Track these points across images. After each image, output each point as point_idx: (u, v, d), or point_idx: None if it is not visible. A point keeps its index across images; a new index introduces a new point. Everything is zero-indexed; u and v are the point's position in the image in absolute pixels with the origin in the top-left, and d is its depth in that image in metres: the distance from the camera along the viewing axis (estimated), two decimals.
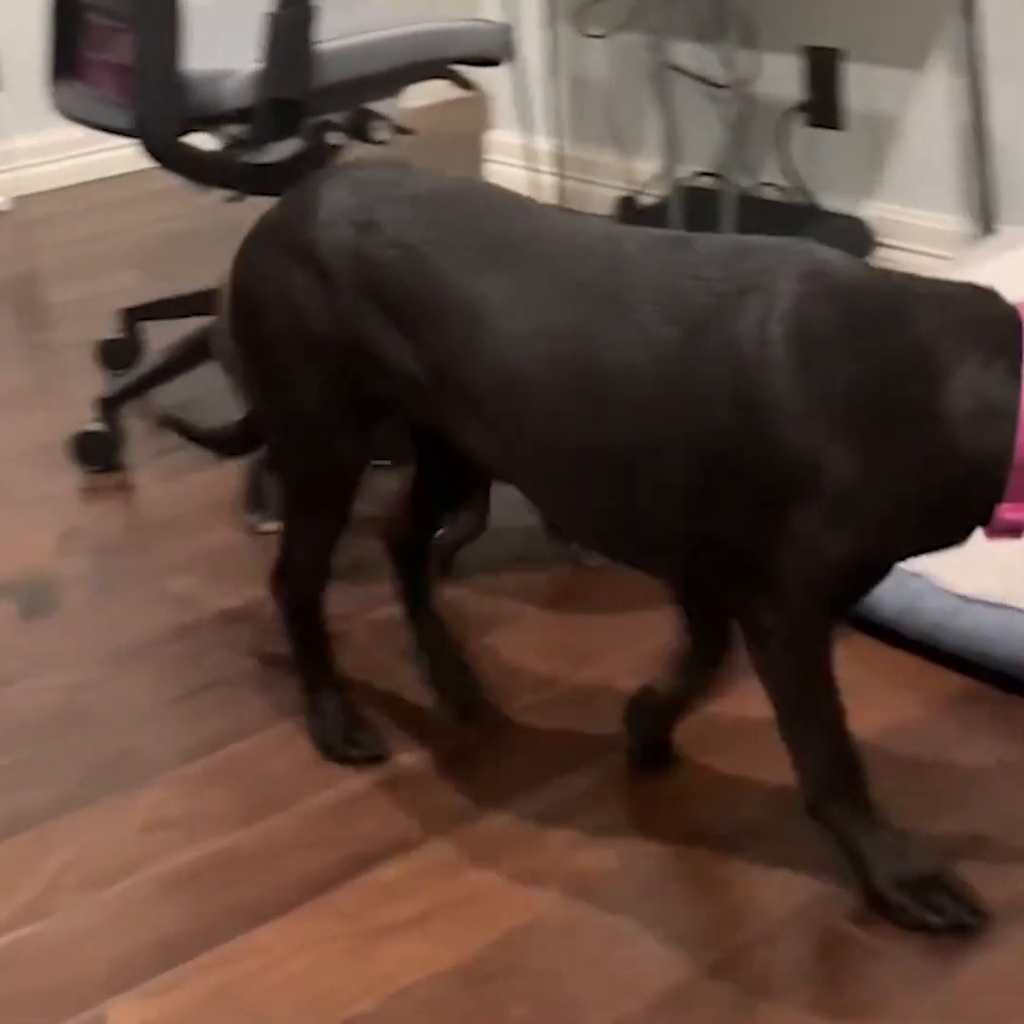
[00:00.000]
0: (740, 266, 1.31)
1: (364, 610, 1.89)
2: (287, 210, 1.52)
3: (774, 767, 1.56)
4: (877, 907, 1.37)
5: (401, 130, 2.30)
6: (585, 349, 1.33)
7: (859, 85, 2.81)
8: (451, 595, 1.88)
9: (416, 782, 1.60)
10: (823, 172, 2.89)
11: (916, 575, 1.70)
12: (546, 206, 1.48)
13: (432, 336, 1.41)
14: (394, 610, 1.75)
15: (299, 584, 1.63)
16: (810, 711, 1.38)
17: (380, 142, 2.27)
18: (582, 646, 1.81)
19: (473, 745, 1.65)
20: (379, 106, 2.32)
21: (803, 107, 2.88)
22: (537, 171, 3.28)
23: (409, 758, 1.64)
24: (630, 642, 1.80)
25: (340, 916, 1.44)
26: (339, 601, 1.73)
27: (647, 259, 1.34)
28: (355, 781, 1.61)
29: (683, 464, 1.30)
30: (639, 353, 1.31)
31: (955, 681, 1.69)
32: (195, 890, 1.48)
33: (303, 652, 1.67)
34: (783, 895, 1.42)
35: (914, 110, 2.73)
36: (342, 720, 1.65)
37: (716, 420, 1.28)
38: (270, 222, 1.54)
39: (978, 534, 1.34)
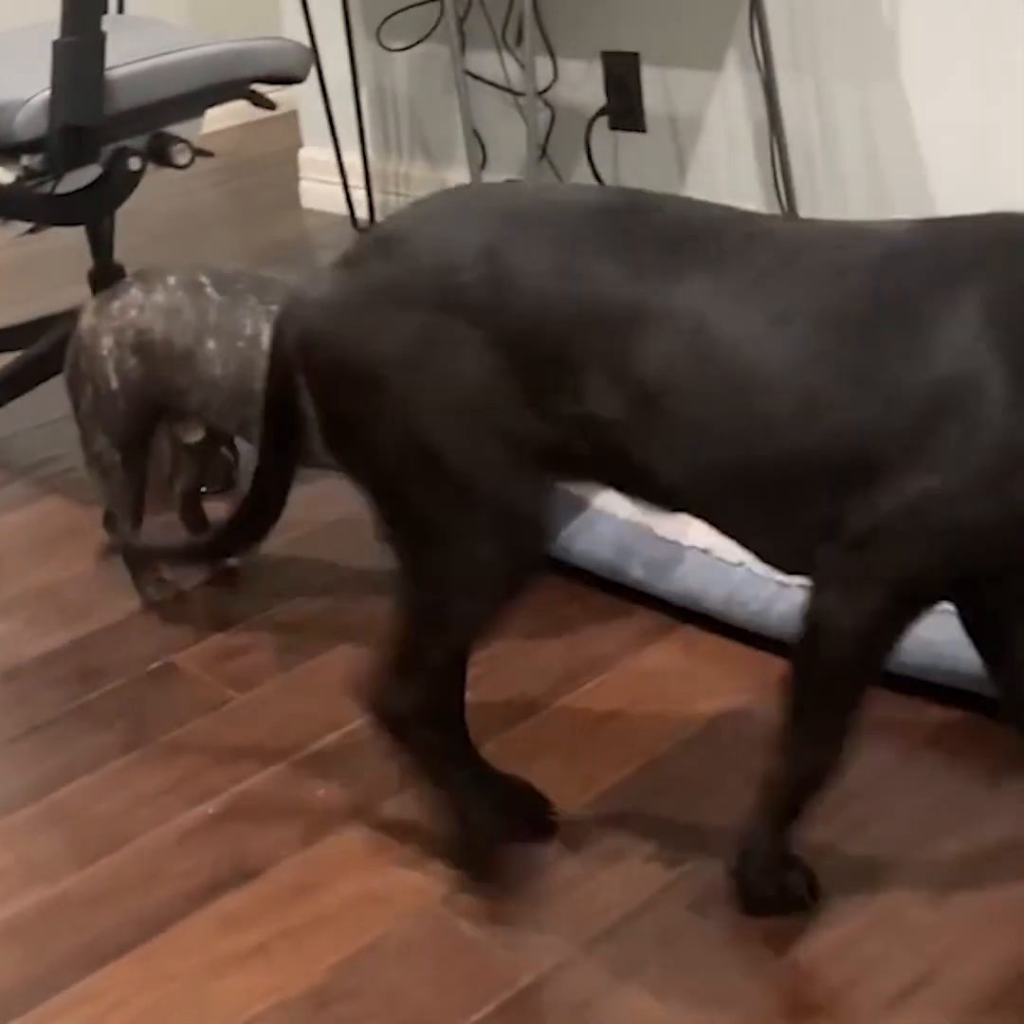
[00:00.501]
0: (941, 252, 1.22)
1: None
2: (403, 258, 1.28)
3: (601, 765, 1.58)
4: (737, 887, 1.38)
5: (201, 152, 2.27)
6: (833, 338, 1.22)
7: (658, 87, 2.85)
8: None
9: (254, 809, 1.58)
10: (630, 174, 2.93)
11: (739, 563, 1.73)
12: (679, 198, 1.35)
13: (633, 359, 1.24)
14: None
15: (434, 686, 1.40)
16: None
17: (181, 166, 2.24)
18: None
19: (308, 769, 1.63)
20: (179, 129, 2.30)
21: (605, 111, 2.92)
22: (350, 187, 3.27)
23: (245, 785, 1.61)
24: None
25: (181, 952, 1.41)
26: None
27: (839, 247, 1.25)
28: (191, 814, 1.58)
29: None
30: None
31: (781, 665, 1.71)
32: (26, 940, 1.44)
33: (441, 760, 1.43)
34: (624, 890, 1.43)
35: (713, 109, 2.79)
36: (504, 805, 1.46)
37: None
38: (379, 276, 1.29)
39: None
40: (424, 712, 1.40)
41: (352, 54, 3.19)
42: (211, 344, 1.80)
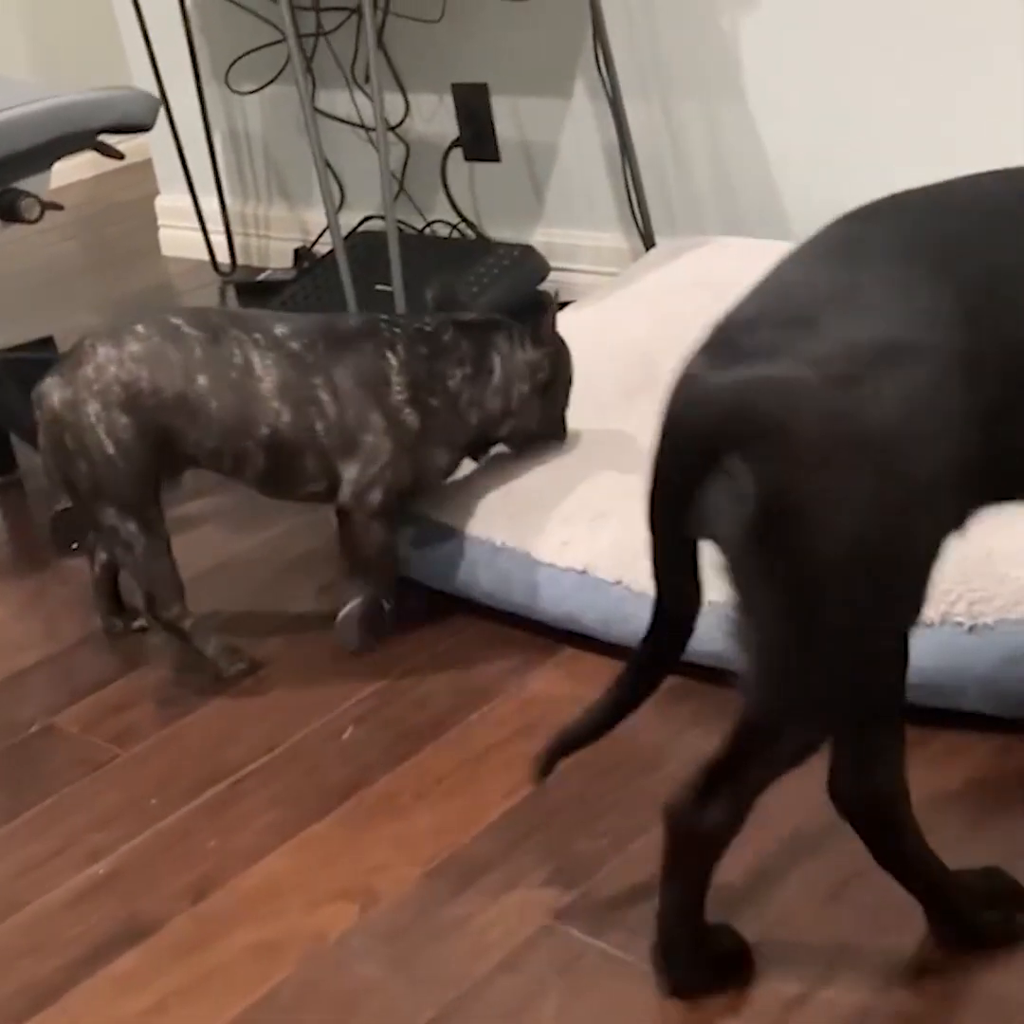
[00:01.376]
0: None
1: None
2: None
3: (489, 796, 1.58)
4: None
5: (51, 206, 2.25)
6: None
7: (510, 116, 2.88)
8: None
9: (145, 867, 1.56)
10: (488, 204, 2.95)
11: (617, 582, 1.74)
12: None
13: None
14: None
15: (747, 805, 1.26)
16: None
17: (31, 221, 2.22)
18: (301, 704, 1.80)
19: (196, 822, 1.62)
20: (27, 183, 2.27)
21: (459, 142, 2.94)
22: (209, 232, 3.26)
23: (134, 842, 1.59)
24: (333, 706, 1.79)
25: (77, 1020, 1.39)
26: None
27: None
28: (81, 877, 1.56)
29: None
30: None
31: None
32: None
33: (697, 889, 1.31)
34: (520, 919, 1.43)
35: (565, 136, 2.82)
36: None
37: None
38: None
39: None
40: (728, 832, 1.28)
41: (202, 99, 3.17)
42: (202, 380, 1.78)
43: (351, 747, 1.70)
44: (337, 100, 3.02)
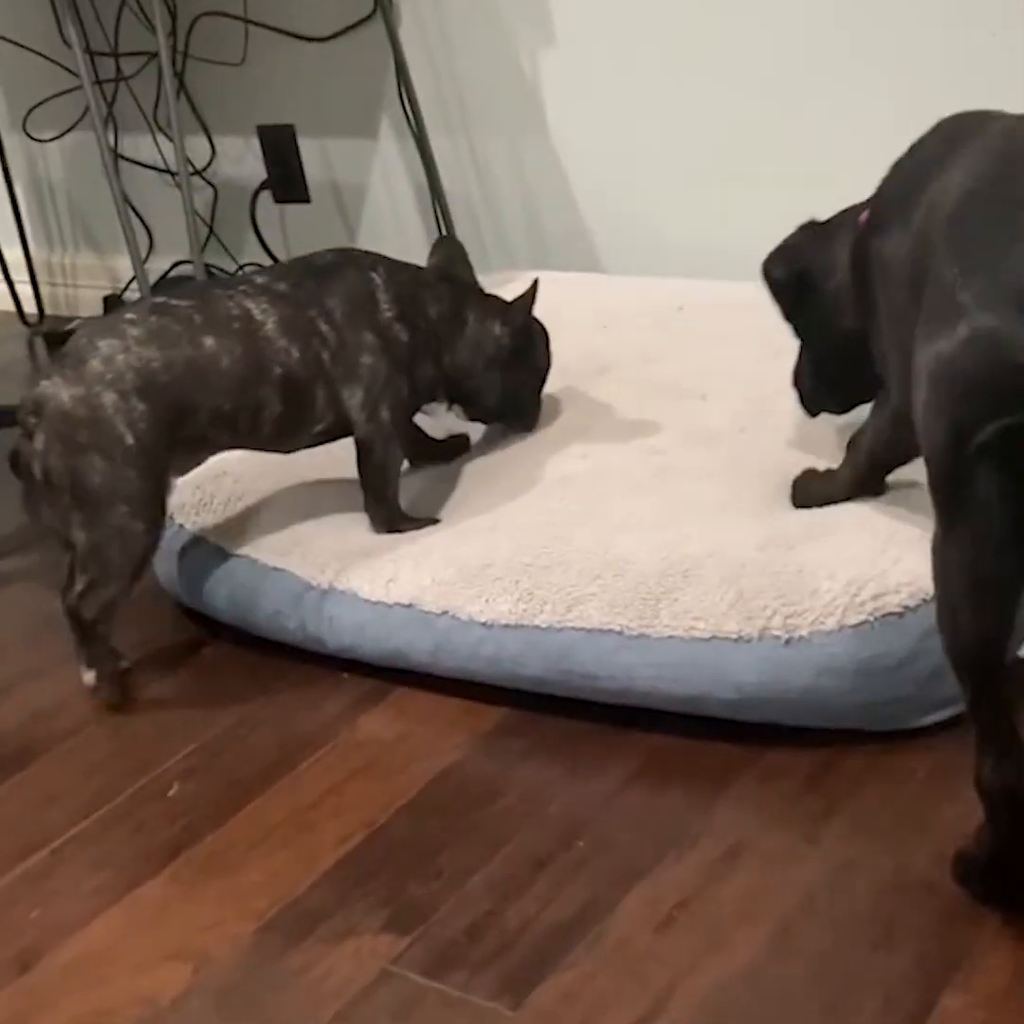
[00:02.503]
0: None
1: None
2: None
3: (322, 844, 1.55)
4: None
5: None
6: None
7: (317, 157, 2.87)
8: None
9: None
10: (300, 245, 2.93)
11: (443, 613, 1.74)
12: None
13: None
14: None
15: None
16: None
17: None
18: (124, 763, 1.75)
19: (18, 892, 1.56)
20: None
21: (267, 185, 2.92)
22: (14, 282, 3.18)
23: None
24: (157, 763, 1.75)
25: None
26: None
27: None
28: None
29: None
30: None
31: (495, 714, 1.73)
32: None
33: None
34: (357, 967, 1.40)
35: (374, 175, 2.82)
36: None
37: None
38: None
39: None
40: None
41: (0, 147, 3.10)
42: (209, 341, 1.78)
43: (178, 803, 1.65)
44: (141, 145, 2.98)
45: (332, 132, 2.84)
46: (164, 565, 1.97)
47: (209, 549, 1.92)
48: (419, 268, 1.97)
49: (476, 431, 2.09)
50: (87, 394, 1.74)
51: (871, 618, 1.54)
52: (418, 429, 2.01)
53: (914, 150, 1.56)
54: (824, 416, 1.88)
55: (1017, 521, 1.20)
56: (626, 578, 1.66)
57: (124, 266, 3.13)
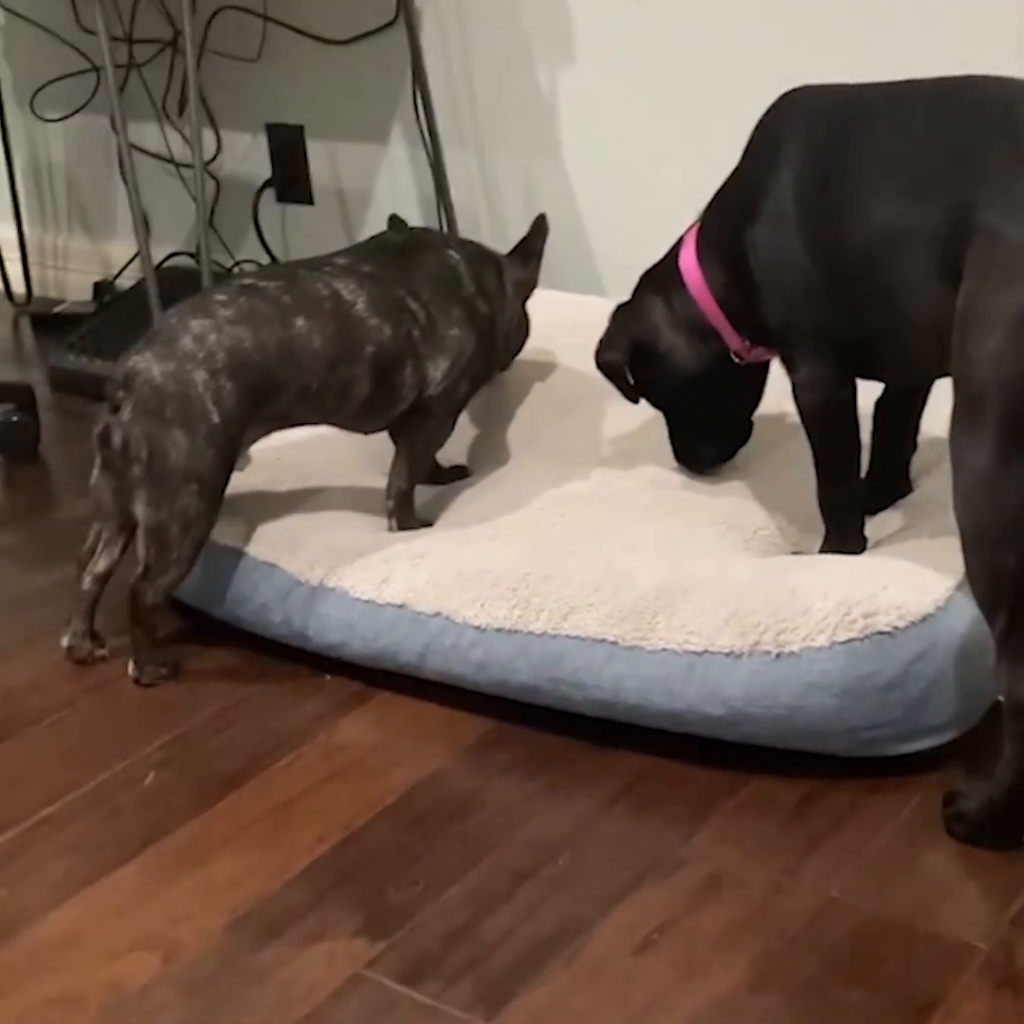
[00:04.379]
0: None
1: None
2: None
3: (297, 844, 1.54)
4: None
5: None
6: None
7: (324, 160, 2.86)
8: None
9: None
10: (299, 247, 2.92)
11: (436, 614, 1.73)
12: None
13: None
14: None
15: None
16: None
17: None
18: (100, 748, 1.72)
19: None
20: None
21: (271, 183, 2.91)
22: (4, 260, 3.15)
23: None
24: (133, 750, 1.72)
25: None
26: None
27: None
28: None
29: None
30: None
31: (478, 725, 1.72)
32: None
33: None
34: (329, 969, 1.38)
35: (380, 182, 2.81)
36: None
37: None
38: None
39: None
40: None
41: (3, 124, 3.08)
42: (300, 321, 1.79)
43: (153, 793, 1.63)
44: (146, 133, 2.97)
45: (342, 136, 2.83)
46: None
47: None
48: (471, 242, 2.04)
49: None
50: (178, 370, 1.74)
51: (861, 636, 1.54)
52: None
53: (755, 151, 1.72)
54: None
55: None
56: (626, 592, 1.66)
57: (116, 252, 3.12)
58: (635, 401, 1.93)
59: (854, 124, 1.60)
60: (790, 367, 1.73)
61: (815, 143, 1.63)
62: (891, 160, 1.53)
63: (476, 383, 1.95)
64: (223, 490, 1.79)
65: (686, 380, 1.86)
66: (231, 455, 1.78)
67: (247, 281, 1.84)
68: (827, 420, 1.72)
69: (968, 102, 1.51)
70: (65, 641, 1.86)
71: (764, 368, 1.88)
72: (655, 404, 1.93)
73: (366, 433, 1.93)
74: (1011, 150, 1.42)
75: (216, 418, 1.74)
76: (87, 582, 1.86)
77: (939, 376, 1.53)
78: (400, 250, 1.92)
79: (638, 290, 1.89)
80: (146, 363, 1.75)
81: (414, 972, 1.37)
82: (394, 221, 2.09)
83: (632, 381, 1.90)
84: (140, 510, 1.77)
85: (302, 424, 1.89)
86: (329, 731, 1.73)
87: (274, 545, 1.85)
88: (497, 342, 1.97)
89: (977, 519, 1.40)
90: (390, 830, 1.56)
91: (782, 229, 1.65)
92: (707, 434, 1.93)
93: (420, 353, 1.86)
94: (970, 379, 1.39)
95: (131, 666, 1.82)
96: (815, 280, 1.62)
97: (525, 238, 2.10)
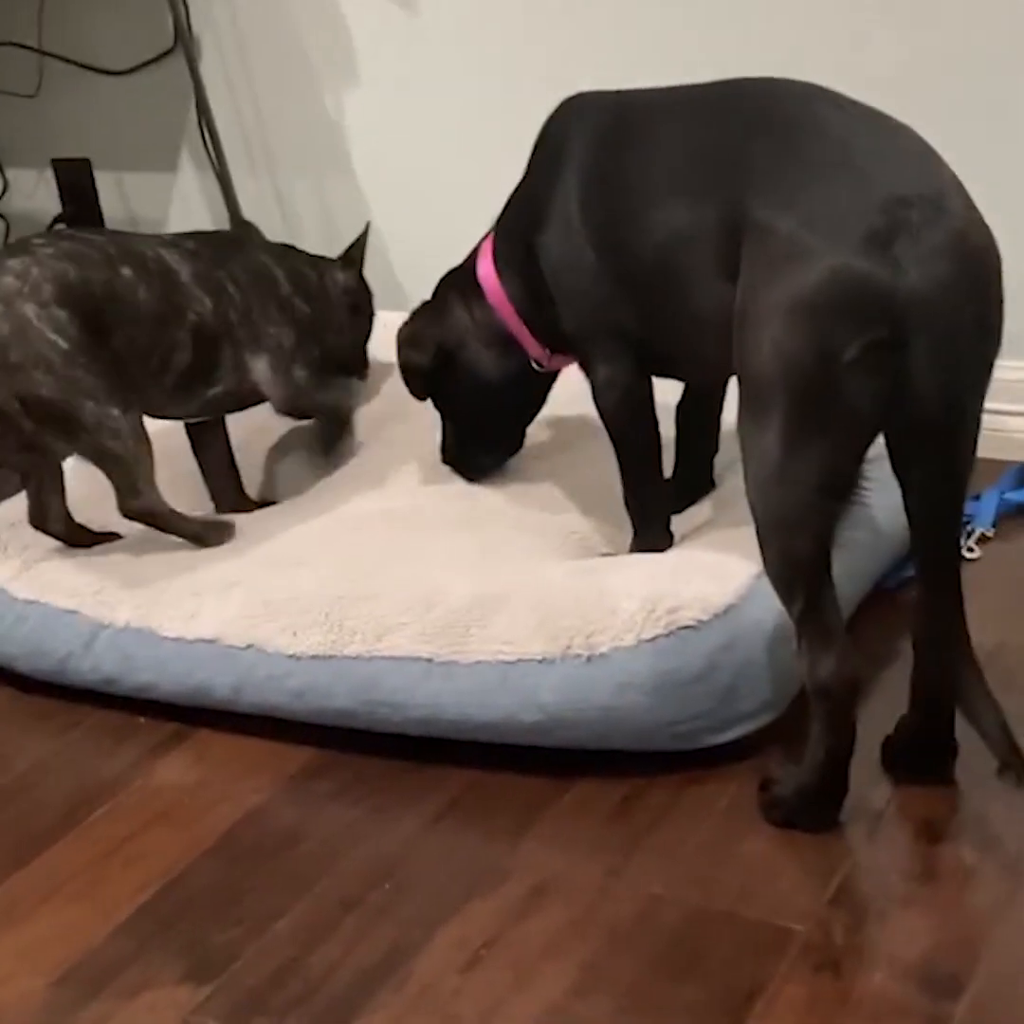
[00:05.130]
0: None
1: None
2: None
3: (118, 894, 1.50)
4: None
5: None
6: None
7: (114, 191, 2.82)
8: None
9: None
10: None
11: (247, 647, 1.70)
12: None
13: None
14: None
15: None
16: None
17: None
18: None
19: None
20: None
21: (62, 218, 2.85)
22: None
23: None
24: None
25: None
26: None
27: None
28: None
29: None
30: None
31: (300, 755, 1.70)
32: None
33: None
34: (153, 1019, 1.35)
35: (173, 210, 2.78)
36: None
37: None
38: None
39: None
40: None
41: None
42: (126, 270, 1.80)
43: None
44: None
45: (130, 166, 2.79)
46: None
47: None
48: (292, 248, 2.07)
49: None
50: (7, 310, 1.69)
51: (666, 632, 1.56)
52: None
53: (539, 159, 1.74)
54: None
55: (873, 428, 1.37)
56: (438, 609, 1.65)
57: None
58: (423, 399, 1.93)
59: (631, 128, 1.62)
60: (588, 370, 1.74)
61: (595, 148, 1.65)
62: (667, 163, 1.56)
63: (318, 368, 1.97)
64: (128, 389, 1.76)
65: (486, 388, 1.87)
66: (106, 362, 1.74)
67: (68, 232, 1.86)
68: (627, 418, 1.74)
69: (734, 104, 1.54)
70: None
71: (553, 378, 1.90)
72: (443, 407, 1.94)
73: (183, 418, 1.94)
74: (774, 147, 1.45)
75: (65, 344, 1.70)
76: (59, 529, 1.87)
77: (732, 373, 1.56)
78: (220, 241, 1.96)
79: (439, 293, 1.89)
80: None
81: (242, 1014, 1.35)
82: (241, 224, 2.13)
83: (426, 384, 1.90)
84: (63, 451, 1.77)
85: (131, 395, 1.81)
86: (146, 775, 1.69)
87: (73, 592, 1.81)
88: (322, 338, 1.99)
89: (770, 506, 1.42)
90: (213, 871, 1.53)
91: (569, 234, 1.66)
92: (489, 441, 1.95)
93: (238, 338, 1.88)
94: (752, 368, 1.41)
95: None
96: (604, 283, 1.64)
97: (349, 246, 2.13)
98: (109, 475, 1.77)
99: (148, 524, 1.81)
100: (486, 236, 1.85)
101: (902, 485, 1.41)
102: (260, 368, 1.90)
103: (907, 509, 1.42)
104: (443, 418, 1.95)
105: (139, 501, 1.78)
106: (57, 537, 1.87)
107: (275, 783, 1.66)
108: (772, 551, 1.44)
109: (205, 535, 1.85)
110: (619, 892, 1.45)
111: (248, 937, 1.43)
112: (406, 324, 1.91)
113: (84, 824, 1.62)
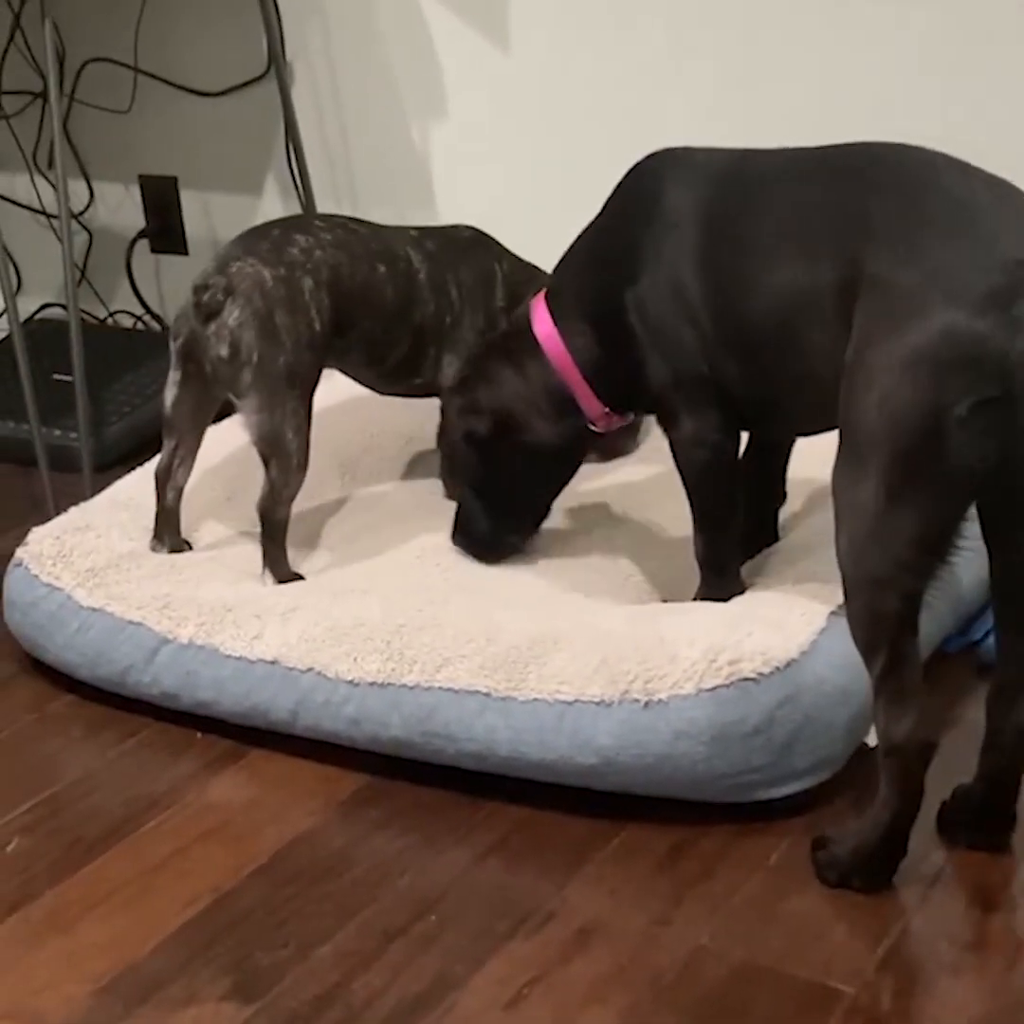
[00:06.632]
0: None
1: None
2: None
3: (166, 907, 1.51)
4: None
5: None
6: None
7: (199, 210, 2.85)
8: None
9: None
10: (174, 297, 2.89)
11: (308, 670, 1.71)
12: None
13: None
14: None
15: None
16: None
17: None
18: None
19: None
20: None
21: (145, 234, 2.89)
22: None
23: None
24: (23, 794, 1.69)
25: None
26: None
27: None
28: None
29: None
30: None
31: (352, 781, 1.71)
32: None
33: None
34: None
35: None
36: None
37: None
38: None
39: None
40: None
41: None
42: (382, 269, 1.90)
43: (16, 859, 1.60)
44: (16, 183, 2.93)
45: (215, 187, 2.82)
46: (14, 615, 1.92)
47: (63, 601, 1.86)
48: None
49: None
50: (288, 275, 1.80)
51: (727, 683, 1.56)
52: None
53: (627, 211, 1.72)
54: None
55: (974, 489, 1.37)
56: (498, 643, 1.66)
57: None
58: (466, 484, 1.87)
59: (749, 190, 1.60)
60: (672, 424, 1.71)
61: (710, 207, 1.62)
62: (785, 225, 1.54)
63: None
64: (311, 406, 1.84)
65: (536, 453, 1.80)
66: (320, 366, 1.84)
67: (340, 219, 1.95)
68: (713, 475, 1.71)
69: (853, 166, 1.52)
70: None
71: (595, 441, 1.85)
72: (479, 479, 1.84)
73: (387, 390, 2.02)
74: (895, 206, 1.44)
75: (317, 327, 1.81)
76: (170, 498, 1.92)
77: (825, 428, 1.54)
78: (458, 244, 2.01)
79: (483, 360, 1.84)
80: (253, 268, 1.80)
81: None
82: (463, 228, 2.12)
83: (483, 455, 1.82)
84: (250, 419, 1.82)
85: (343, 372, 1.96)
86: (200, 790, 1.70)
87: (139, 603, 1.82)
88: None
89: (862, 560, 1.40)
90: (261, 891, 1.54)
91: (678, 291, 1.63)
92: (522, 514, 1.87)
93: (443, 340, 1.96)
94: (858, 422, 1.39)
95: (265, 575, 1.86)
96: (711, 341, 1.62)
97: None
98: (269, 466, 1.83)
99: (267, 531, 1.86)
100: (533, 296, 1.81)
101: (991, 552, 1.39)
102: (450, 373, 1.96)
103: (992, 577, 1.40)
104: (472, 493, 1.86)
105: (279, 510, 1.84)
106: (163, 506, 1.92)
107: (327, 808, 1.66)
108: (858, 605, 1.42)
109: (284, 568, 1.87)
110: (664, 941, 1.44)
111: (293, 960, 1.44)
112: (456, 394, 1.85)
113: (135, 836, 1.63)
